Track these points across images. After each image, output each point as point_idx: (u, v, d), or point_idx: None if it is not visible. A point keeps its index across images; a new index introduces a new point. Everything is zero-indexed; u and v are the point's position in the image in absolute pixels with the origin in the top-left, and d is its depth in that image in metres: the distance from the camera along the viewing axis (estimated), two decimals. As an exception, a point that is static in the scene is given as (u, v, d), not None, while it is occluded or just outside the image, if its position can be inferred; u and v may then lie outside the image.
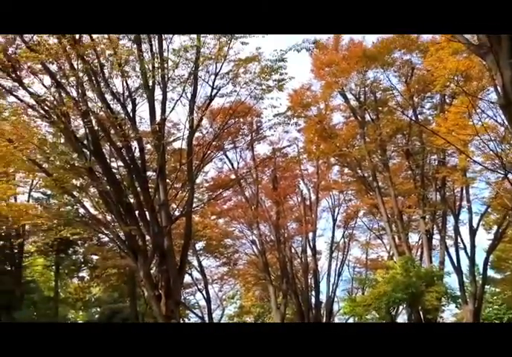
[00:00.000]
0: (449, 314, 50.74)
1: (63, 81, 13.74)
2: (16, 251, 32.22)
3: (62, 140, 14.96)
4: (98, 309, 49.56)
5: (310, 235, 35.79)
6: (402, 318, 44.23)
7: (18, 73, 13.02)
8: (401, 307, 31.34)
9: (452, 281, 26.88)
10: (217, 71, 15.07)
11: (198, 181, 22.45)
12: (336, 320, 52.40)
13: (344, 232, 40.60)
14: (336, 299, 41.63)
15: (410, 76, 26.35)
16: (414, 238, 35.21)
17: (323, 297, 38.61)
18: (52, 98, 13.48)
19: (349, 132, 29.09)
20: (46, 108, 13.20)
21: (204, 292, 41.76)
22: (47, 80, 13.72)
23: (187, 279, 36.94)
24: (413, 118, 26.54)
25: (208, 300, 41.97)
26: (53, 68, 13.64)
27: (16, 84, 13.27)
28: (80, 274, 37.34)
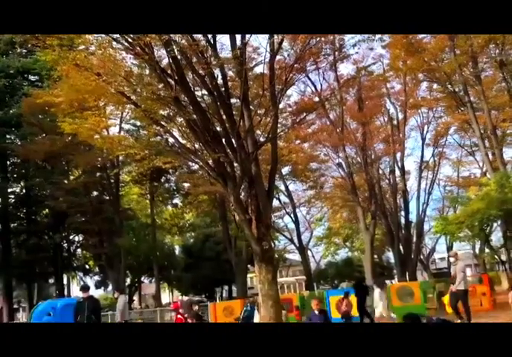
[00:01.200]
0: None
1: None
2: (112, 181, 33.93)
3: (147, 72, 15.13)
4: (193, 234, 52.07)
5: (398, 155, 35.13)
6: (496, 236, 43.35)
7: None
8: (495, 224, 30.61)
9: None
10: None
11: (281, 105, 22.21)
12: (427, 240, 52.20)
13: (433, 150, 39.51)
14: (426, 218, 41.29)
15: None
16: (509, 153, 33.82)
17: (413, 217, 38.37)
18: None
19: (437, 45, 27.45)
20: (129, 40, 13.34)
21: (292, 215, 42.67)
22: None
23: (275, 203, 37.70)
24: (508, 25, 24.50)
25: (296, 222, 42.87)
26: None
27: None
28: (174, 201, 39.04)
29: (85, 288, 14.52)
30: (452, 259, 13.76)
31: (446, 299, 14.24)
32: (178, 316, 13.86)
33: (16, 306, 45.59)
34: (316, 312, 10.07)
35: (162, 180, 35.33)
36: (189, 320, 10.33)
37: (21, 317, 44.30)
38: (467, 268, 16.80)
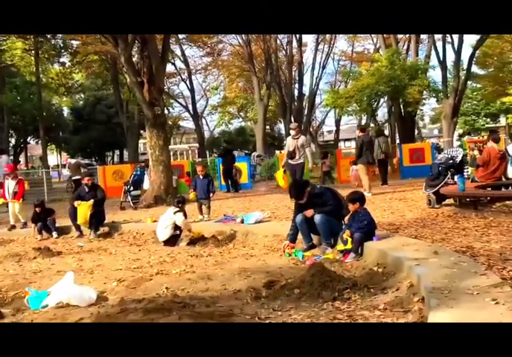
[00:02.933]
0: (429, 108, 52.25)
1: None
2: (-9, 33, 30.89)
3: None
4: (82, 96, 49.92)
5: (297, 26, 34.61)
6: (382, 111, 45.55)
7: None
8: (382, 100, 31.98)
9: (435, 75, 26.97)
10: None
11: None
12: (317, 113, 53.89)
13: (332, 24, 39.29)
14: (318, 92, 42.24)
15: None
16: (403, 32, 34.35)
17: (306, 90, 39.08)
18: None
19: None
20: None
21: (188, 82, 41.85)
22: None
23: (170, 68, 36.60)
24: None
25: (191, 90, 42.24)
26: None
27: None
28: (61, 60, 36.48)
29: None
30: (292, 132, 12.39)
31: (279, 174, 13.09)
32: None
33: None
34: (201, 177, 10.34)
35: (48, 35, 32.66)
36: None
37: None
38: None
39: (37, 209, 10.35)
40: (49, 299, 4.94)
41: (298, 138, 12.16)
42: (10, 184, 11.16)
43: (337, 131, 52.22)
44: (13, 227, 11.00)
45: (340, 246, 6.13)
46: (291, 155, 12.07)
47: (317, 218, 6.62)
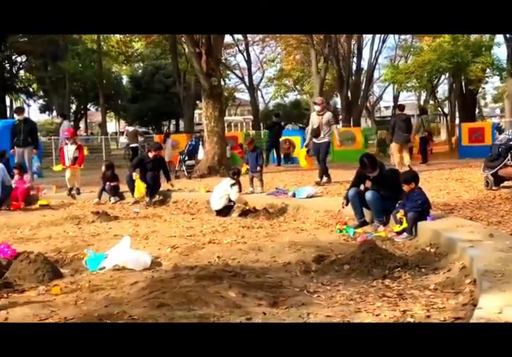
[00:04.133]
0: (491, 86, 50.35)
1: None
2: None
3: None
4: (141, 65, 50.55)
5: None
6: (442, 88, 44.24)
7: None
8: (443, 77, 31.01)
9: (500, 53, 25.90)
10: None
11: None
12: (375, 88, 52.82)
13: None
14: (377, 66, 41.31)
15: None
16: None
17: (364, 64, 38.26)
18: None
19: None
20: None
21: (245, 54, 41.68)
22: None
23: (227, 39, 36.41)
24: None
25: (248, 61, 42.07)
26: None
27: None
28: (122, 28, 36.91)
29: (19, 109, 14.20)
30: (317, 108, 11.15)
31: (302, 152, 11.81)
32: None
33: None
34: (250, 152, 10.41)
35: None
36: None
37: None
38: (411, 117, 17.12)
39: (106, 171, 10.71)
40: (106, 261, 5.15)
41: (323, 114, 10.96)
42: (70, 150, 11.28)
43: (394, 107, 51.12)
44: (71, 190, 11.11)
45: (396, 227, 6.05)
46: (315, 132, 10.92)
47: (368, 195, 6.59)
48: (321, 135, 10.86)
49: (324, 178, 10.95)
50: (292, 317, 3.57)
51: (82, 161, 11.48)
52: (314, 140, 11.02)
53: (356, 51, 37.35)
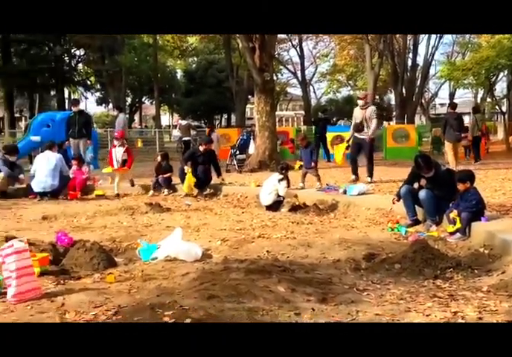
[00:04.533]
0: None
1: None
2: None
3: None
4: (195, 59, 51.12)
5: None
6: (500, 86, 42.86)
7: None
8: (502, 74, 30.04)
9: None
10: None
11: None
12: (431, 84, 51.67)
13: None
14: (433, 62, 40.35)
15: None
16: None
17: (420, 60, 37.46)
18: None
19: None
20: None
21: (298, 49, 41.56)
22: None
23: (281, 35, 36.37)
24: None
25: (301, 56, 41.93)
26: None
27: None
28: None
29: (75, 101, 14.61)
30: (360, 102, 10.84)
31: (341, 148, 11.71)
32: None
33: (18, 115, 46.31)
34: (303, 148, 10.36)
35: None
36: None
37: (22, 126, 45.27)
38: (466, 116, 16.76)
39: (161, 161, 10.90)
40: (158, 252, 5.27)
41: (366, 108, 10.62)
42: (118, 152, 11.13)
43: (450, 104, 49.84)
44: (118, 195, 10.60)
45: (449, 228, 5.93)
46: (357, 127, 10.59)
47: (422, 194, 6.48)
48: (365, 130, 10.54)
49: (353, 176, 10.57)
50: (341, 314, 3.58)
51: (132, 163, 11.36)
52: (356, 135, 10.66)
53: (411, 47, 36.58)
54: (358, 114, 10.71)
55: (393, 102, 43.06)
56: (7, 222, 7.63)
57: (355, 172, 10.69)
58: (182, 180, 10.35)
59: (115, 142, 11.46)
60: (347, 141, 11.23)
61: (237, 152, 15.03)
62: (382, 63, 31.53)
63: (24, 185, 10.58)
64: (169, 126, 53.88)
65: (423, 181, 6.65)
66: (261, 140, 14.78)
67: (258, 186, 9.74)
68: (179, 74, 52.31)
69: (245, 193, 9.99)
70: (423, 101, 45.75)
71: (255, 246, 5.80)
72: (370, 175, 10.62)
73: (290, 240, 6.11)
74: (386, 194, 8.71)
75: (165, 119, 61.21)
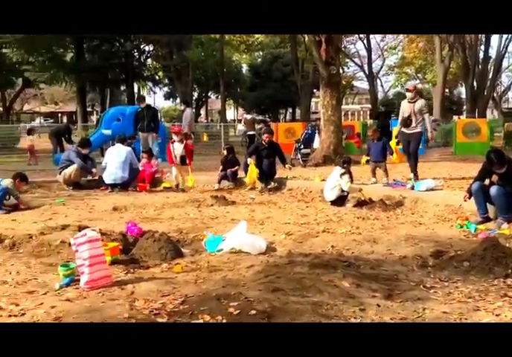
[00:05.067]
0: None
1: None
2: None
3: None
4: (261, 53, 51.28)
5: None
6: None
7: None
8: None
9: None
10: None
11: None
12: (503, 77, 49.67)
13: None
14: (506, 54, 38.80)
15: None
16: None
17: (492, 52, 36.08)
18: None
19: None
20: None
21: (365, 41, 40.91)
22: None
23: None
24: None
25: (368, 49, 41.28)
26: None
27: None
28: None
29: (141, 98, 15.03)
30: (408, 94, 10.01)
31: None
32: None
33: (89, 109, 47.95)
34: (375, 141, 10.16)
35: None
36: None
37: (94, 120, 46.89)
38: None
39: (228, 155, 11.06)
40: (224, 244, 5.35)
41: (414, 102, 9.86)
42: (176, 147, 10.84)
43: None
44: (178, 186, 10.71)
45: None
46: (405, 122, 9.89)
47: (493, 190, 6.27)
48: (413, 124, 9.84)
49: (411, 175, 9.87)
50: (407, 311, 3.53)
51: (191, 160, 11.18)
52: (404, 130, 10.01)
53: (483, 39, 35.31)
54: (406, 107, 9.99)
55: (463, 95, 41.72)
56: (80, 212, 7.94)
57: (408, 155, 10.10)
58: (246, 173, 10.45)
59: (174, 137, 11.09)
60: (396, 137, 10.79)
61: (302, 147, 15.01)
62: (452, 56, 30.65)
63: (96, 177, 10.97)
64: (234, 120, 54.37)
65: (494, 177, 6.42)
66: (326, 135, 14.67)
67: (323, 180, 9.69)
68: (245, 68, 52.66)
69: (310, 187, 9.97)
70: (495, 95, 44.06)
71: (320, 241, 5.78)
72: (414, 171, 9.94)
73: (355, 235, 6.05)
74: (456, 190, 8.47)
75: (230, 113, 61.83)
